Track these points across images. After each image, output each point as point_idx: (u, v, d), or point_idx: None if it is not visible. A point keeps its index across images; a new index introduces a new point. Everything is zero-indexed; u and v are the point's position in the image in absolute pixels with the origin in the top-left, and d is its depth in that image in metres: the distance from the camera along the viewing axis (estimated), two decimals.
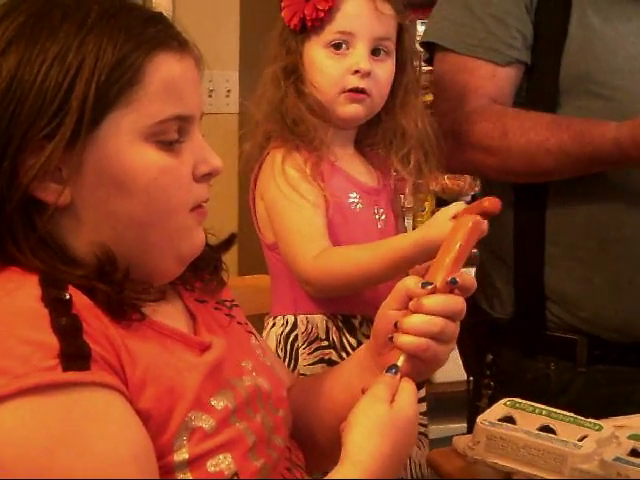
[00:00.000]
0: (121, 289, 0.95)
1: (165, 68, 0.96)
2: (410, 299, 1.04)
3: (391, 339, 1.04)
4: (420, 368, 1.04)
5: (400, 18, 1.55)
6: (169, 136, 0.97)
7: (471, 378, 1.72)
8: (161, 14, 1.01)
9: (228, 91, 2.99)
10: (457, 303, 1.04)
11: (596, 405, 1.46)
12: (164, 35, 0.97)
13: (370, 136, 1.62)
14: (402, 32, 1.56)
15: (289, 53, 1.54)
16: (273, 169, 1.52)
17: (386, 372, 1.01)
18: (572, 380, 1.61)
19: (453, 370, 2.13)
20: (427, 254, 1.42)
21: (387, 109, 1.57)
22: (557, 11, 1.56)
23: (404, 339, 1.02)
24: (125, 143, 0.95)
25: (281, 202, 1.50)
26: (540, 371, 1.62)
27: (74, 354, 0.86)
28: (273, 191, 1.51)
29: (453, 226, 1.10)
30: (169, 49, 0.97)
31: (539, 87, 1.59)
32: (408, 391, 0.99)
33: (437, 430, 1.74)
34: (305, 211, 1.49)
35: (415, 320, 1.02)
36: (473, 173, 1.62)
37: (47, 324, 0.88)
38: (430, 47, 1.68)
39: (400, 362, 1.01)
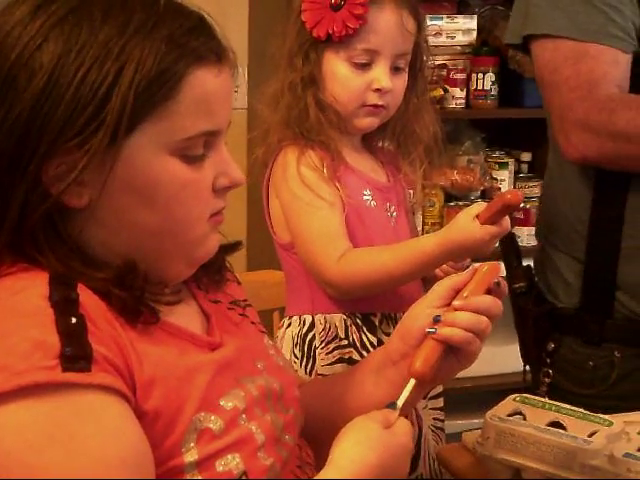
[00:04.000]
0: (140, 294, 0.95)
1: (202, 84, 0.94)
2: (454, 297, 1.09)
3: (428, 333, 1.07)
4: (453, 365, 1.09)
5: (419, 37, 1.55)
6: (195, 151, 0.96)
7: (527, 367, 1.73)
8: (203, 20, 0.98)
9: (236, 86, 2.97)
10: (500, 305, 1.09)
11: None
12: (205, 49, 0.95)
13: (377, 133, 1.62)
14: (418, 44, 1.56)
15: (307, 61, 1.52)
16: (287, 168, 1.51)
17: (386, 407, 1.02)
18: (637, 367, 1.62)
19: None
20: (450, 255, 1.43)
21: (397, 111, 1.57)
22: None
23: (452, 331, 1.06)
24: (150, 154, 0.93)
25: (298, 203, 1.50)
26: (604, 359, 1.63)
27: (75, 355, 0.86)
28: (289, 192, 1.51)
29: (472, 271, 1.12)
30: (208, 64, 0.95)
31: None
32: (405, 423, 1.01)
33: (448, 425, 1.73)
34: (323, 212, 1.49)
35: (466, 316, 1.06)
36: (612, 163, 1.58)
37: (51, 323, 0.87)
38: (525, 38, 1.61)
39: (400, 402, 1.03)
